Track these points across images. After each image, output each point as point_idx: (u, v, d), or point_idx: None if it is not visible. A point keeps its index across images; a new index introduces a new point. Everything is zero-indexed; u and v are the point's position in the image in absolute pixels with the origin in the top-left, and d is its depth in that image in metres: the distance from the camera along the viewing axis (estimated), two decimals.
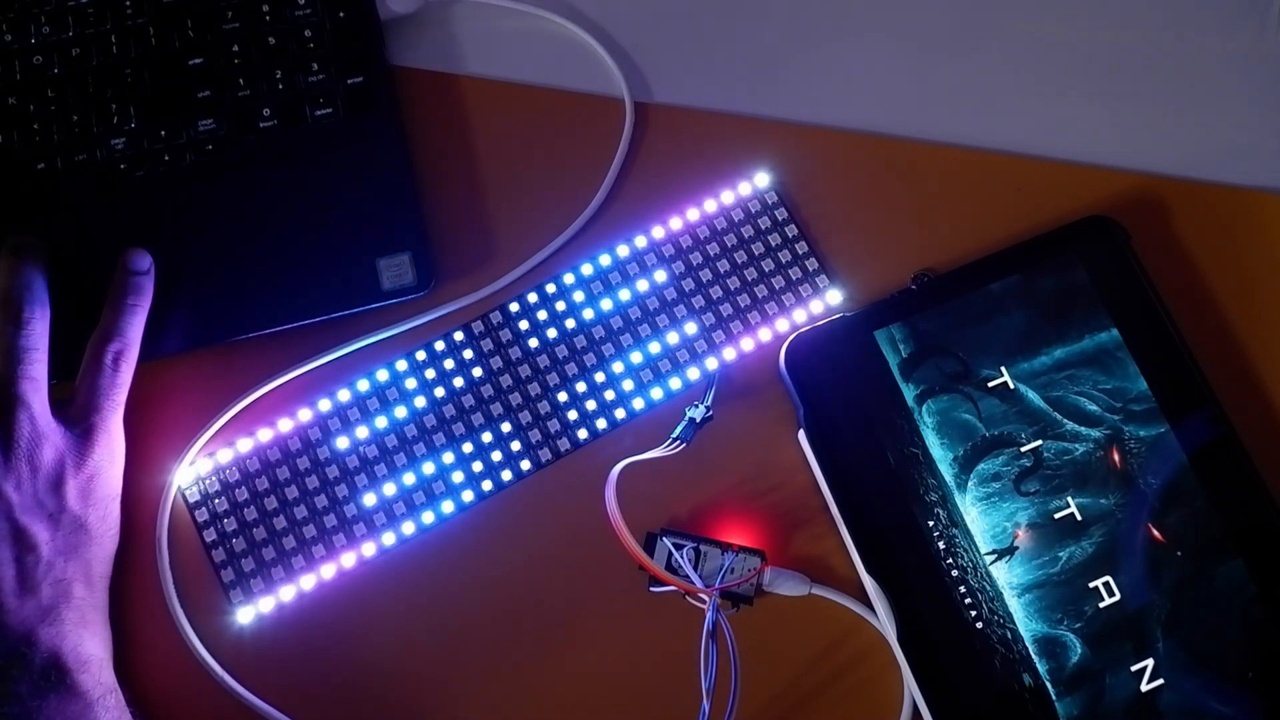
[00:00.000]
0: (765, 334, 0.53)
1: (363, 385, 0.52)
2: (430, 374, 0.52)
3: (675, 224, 0.54)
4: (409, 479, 0.51)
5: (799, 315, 0.53)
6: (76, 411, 0.48)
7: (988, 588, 0.48)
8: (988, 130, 0.57)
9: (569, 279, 0.53)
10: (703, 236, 0.54)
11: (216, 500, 0.50)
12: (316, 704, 0.48)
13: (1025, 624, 0.48)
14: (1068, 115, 0.57)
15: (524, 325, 0.53)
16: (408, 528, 0.50)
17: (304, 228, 0.53)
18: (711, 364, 0.53)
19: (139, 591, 0.49)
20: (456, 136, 0.56)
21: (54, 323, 0.49)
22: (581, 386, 0.52)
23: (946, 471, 0.49)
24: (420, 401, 0.52)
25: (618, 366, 0.52)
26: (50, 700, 0.43)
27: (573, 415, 0.52)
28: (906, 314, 0.51)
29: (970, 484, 0.49)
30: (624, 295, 0.53)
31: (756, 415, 0.52)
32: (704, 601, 0.46)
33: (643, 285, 0.54)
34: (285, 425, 0.51)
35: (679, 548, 0.48)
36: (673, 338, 0.53)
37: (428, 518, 0.50)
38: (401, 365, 0.52)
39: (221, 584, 0.49)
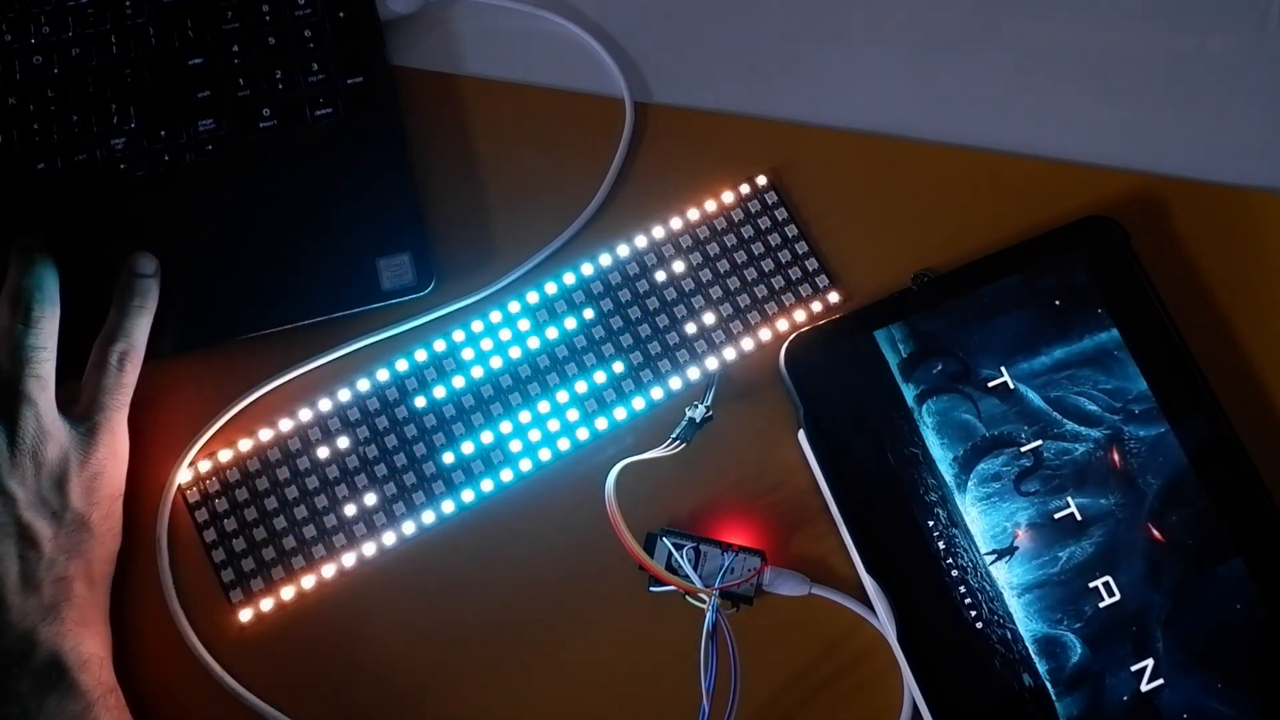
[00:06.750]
0: (765, 334, 0.53)
1: (363, 385, 0.52)
2: (430, 374, 0.52)
3: (675, 224, 0.54)
4: (409, 479, 0.51)
5: (799, 315, 0.53)
6: (81, 410, 0.48)
7: (988, 588, 0.48)
8: (988, 130, 0.57)
9: (569, 279, 0.53)
10: (702, 237, 0.54)
11: (216, 500, 0.50)
12: (316, 704, 0.48)
13: (1025, 624, 0.48)
14: (1068, 115, 0.57)
15: (524, 325, 0.53)
16: (408, 527, 0.50)
17: (304, 228, 0.53)
18: (711, 364, 0.53)
19: (139, 591, 0.49)
20: (456, 136, 0.56)
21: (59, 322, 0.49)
22: (582, 386, 0.52)
23: (946, 471, 0.49)
24: (420, 401, 0.52)
25: (618, 366, 0.52)
26: (51, 699, 0.43)
27: (573, 415, 0.52)
28: (906, 314, 0.51)
29: (970, 484, 0.49)
30: (624, 295, 0.53)
31: (756, 415, 0.52)
32: (704, 601, 0.46)
33: (643, 285, 0.53)
34: (285, 425, 0.51)
35: (679, 548, 0.48)
36: (673, 337, 0.53)
37: (428, 517, 0.50)
38: (402, 365, 0.52)
39: (221, 584, 0.49)
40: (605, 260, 0.54)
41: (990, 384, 0.51)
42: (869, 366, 0.51)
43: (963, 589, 0.48)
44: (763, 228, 0.54)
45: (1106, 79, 0.58)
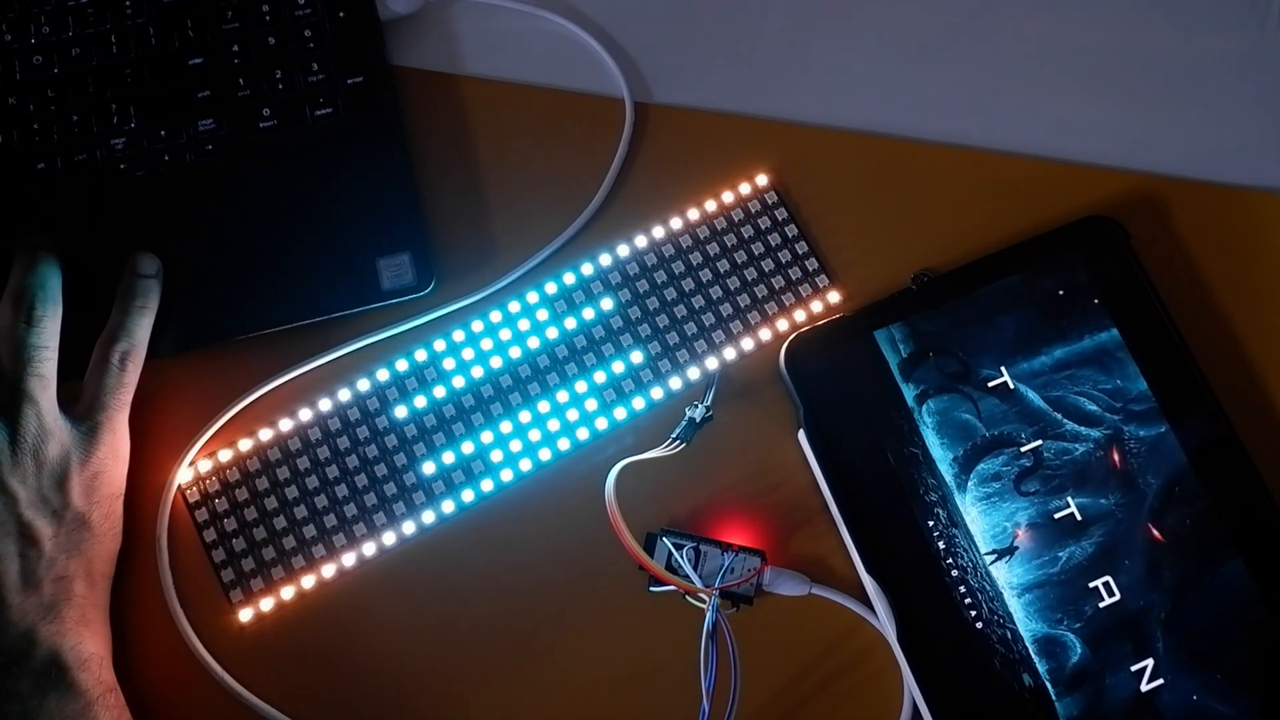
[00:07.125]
0: (765, 334, 0.53)
1: (363, 385, 0.52)
2: (430, 374, 0.52)
3: (675, 224, 0.54)
4: (409, 479, 0.51)
5: (799, 315, 0.53)
6: (83, 409, 0.48)
7: (988, 588, 0.48)
8: (988, 130, 0.57)
9: (569, 279, 0.53)
10: (703, 236, 0.54)
11: (216, 500, 0.50)
12: (315, 704, 0.48)
13: (1025, 624, 0.48)
14: (1068, 115, 0.57)
15: (524, 325, 0.53)
16: (408, 527, 0.50)
17: (304, 228, 0.53)
18: (711, 364, 0.53)
19: (139, 591, 0.49)
20: (456, 136, 0.56)
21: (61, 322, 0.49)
22: (582, 386, 0.52)
23: (946, 471, 0.49)
24: (420, 401, 0.52)
25: (618, 366, 0.52)
26: (50, 699, 0.43)
27: (573, 415, 0.52)
28: (906, 314, 0.51)
29: (970, 484, 0.49)
30: (624, 295, 0.53)
31: (756, 415, 0.52)
32: (704, 601, 0.46)
33: (643, 285, 0.53)
34: (285, 425, 0.51)
35: (679, 548, 0.48)
36: (673, 337, 0.53)
37: (428, 517, 0.50)
38: (402, 365, 0.52)
39: (221, 584, 0.49)
40: (605, 260, 0.54)
41: (990, 384, 0.51)
42: (869, 366, 0.51)
43: (963, 589, 0.48)
44: (763, 227, 0.54)
45: (1106, 79, 0.58)
